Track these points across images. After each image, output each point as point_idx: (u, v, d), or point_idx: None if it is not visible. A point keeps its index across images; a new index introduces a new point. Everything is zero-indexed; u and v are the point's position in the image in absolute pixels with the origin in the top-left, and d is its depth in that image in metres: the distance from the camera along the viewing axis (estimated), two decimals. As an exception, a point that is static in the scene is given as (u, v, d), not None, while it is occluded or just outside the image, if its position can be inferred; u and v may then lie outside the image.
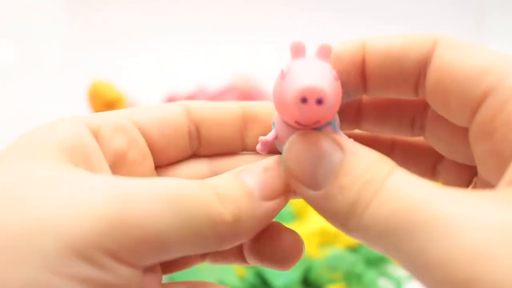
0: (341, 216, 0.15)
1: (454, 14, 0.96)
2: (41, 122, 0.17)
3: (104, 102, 0.63)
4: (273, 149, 0.19)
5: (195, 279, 0.49)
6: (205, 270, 0.45)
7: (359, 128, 0.22)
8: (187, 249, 0.15)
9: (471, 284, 0.12)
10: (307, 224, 0.50)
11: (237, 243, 0.17)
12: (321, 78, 0.15)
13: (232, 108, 0.20)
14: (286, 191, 0.17)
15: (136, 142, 0.19)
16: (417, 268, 0.13)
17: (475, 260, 0.12)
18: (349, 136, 0.21)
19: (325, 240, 0.50)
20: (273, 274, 0.45)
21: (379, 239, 0.14)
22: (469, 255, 0.12)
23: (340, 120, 0.19)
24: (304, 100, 0.15)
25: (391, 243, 0.13)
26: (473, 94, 0.15)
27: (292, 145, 0.16)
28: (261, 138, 0.18)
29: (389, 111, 0.21)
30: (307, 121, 0.16)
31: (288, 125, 0.17)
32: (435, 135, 0.20)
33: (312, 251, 0.48)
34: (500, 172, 0.15)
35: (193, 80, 0.77)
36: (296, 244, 0.18)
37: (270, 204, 0.17)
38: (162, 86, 0.75)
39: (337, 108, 0.16)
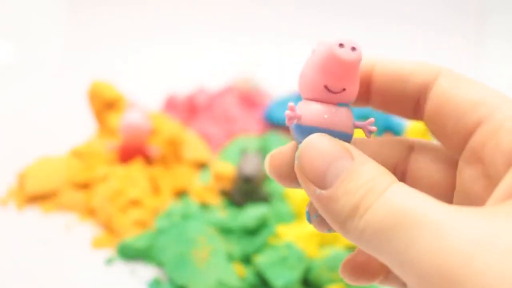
0: (341, 217, 0.16)
1: (454, 14, 0.96)
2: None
3: (104, 102, 0.63)
4: None
5: (196, 280, 0.49)
6: (205, 270, 0.45)
7: (368, 105, 0.23)
8: None
9: (456, 278, 0.13)
10: (307, 224, 0.50)
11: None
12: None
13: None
14: None
15: None
16: (404, 263, 0.14)
17: (459, 255, 0.13)
18: (370, 140, 0.22)
19: (324, 240, 0.50)
20: (273, 274, 0.45)
21: (372, 240, 0.15)
22: (454, 251, 0.13)
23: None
24: (341, 45, 0.17)
25: (383, 241, 0.15)
26: (467, 122, 0.17)
27: (307, 144, 0.18)
28: (291, 103, 0.19)
29: (394, 97, 0.22)
30: (336, 81, 0.18)
31: (313, 102, 0.18)
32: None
33: (312, 251, 0.48)
34: (487, 193, 0.17)
35: (193, 80, 0.77)
36: None
37: None
38: (162, 86, 0.75)
39: (354, 91, 0.18)
